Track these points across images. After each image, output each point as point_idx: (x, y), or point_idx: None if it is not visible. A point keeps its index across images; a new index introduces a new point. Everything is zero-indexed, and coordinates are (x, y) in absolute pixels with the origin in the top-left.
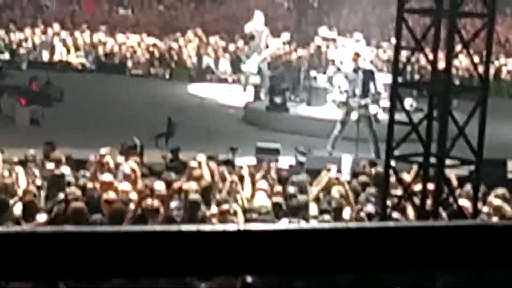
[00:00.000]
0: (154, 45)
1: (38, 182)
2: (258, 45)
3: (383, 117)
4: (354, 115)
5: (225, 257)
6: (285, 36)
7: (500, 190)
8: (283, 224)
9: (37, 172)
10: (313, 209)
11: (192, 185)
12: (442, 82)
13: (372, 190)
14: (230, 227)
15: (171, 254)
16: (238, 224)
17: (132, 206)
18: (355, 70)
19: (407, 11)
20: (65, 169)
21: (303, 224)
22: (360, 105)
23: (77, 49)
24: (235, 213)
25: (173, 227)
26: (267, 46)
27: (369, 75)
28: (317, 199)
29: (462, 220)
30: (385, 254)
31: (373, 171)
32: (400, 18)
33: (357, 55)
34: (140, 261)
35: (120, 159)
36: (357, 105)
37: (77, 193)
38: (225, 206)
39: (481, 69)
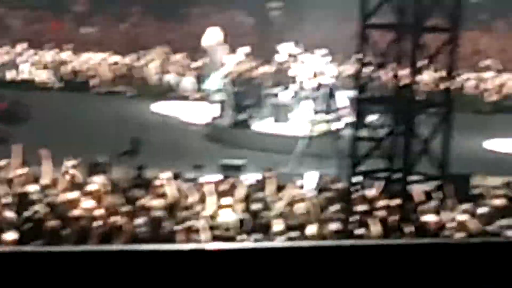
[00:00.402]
0: (118, 63)
1: (5, 200)
2: (217, 62)
3: (347, 133)
4: (318, 131)
5: (185, 276)
6: (243, 50)
7: (465, 206)
8: (244, 243)
9: (4, 190)
10: (278, 226)
11: (157, 203)
12: (405, 97)
13: (337, 206)
14: (188, 246)
15: (130, 272)
16: (199, 243)
17: (98, 223)
18: (317, 87)
19: (370, 26)
20: (33, 187)
21: (262, 243)
22: (323, 121)
23: (42, 67)
24: (199, 230)
25: (132, 247)
26: (223, 62)
27: (331, 92)
28: (282, 216)
29: (421, 239)
30: (343, 272)
31: (337, 187)
32: (363, 34)
33: (315, 73)
34: (100, 280)
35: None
36: (320, 121)
37: (43, 210)
38: (189, 223)
39: (445, 84)
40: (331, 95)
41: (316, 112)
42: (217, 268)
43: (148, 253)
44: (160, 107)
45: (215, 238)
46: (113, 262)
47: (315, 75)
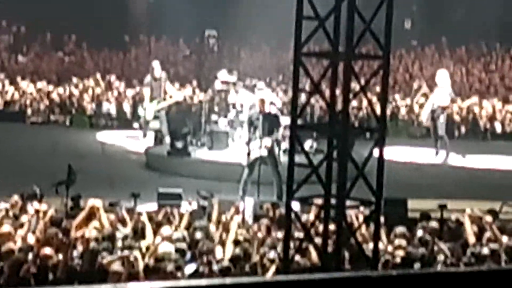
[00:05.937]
0: (54, 92)
1: None
2: (158, 92)
3: (284, 159)
4: (257, 158)
5: None
6: (188, 91)
7: (400, 229)
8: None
9: None
10: (219, 254)
11: (93, 233)
12: (340, 123)
13: (276, 233)
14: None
15: None
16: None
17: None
18: (259, 114)
19: (304, 54)
20: None
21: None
22: (263, 148)
23: None
24: (136, 260)
25: None
26: (165, 92)
27: (272, 119)
28: (223, 244)
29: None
30: None
31: (276, 213)
32: (297, 61)
33: (262, 100)
34: None
35: None
36: (260, 148)
37: None
38: (124, 253)
39: (378, 109)
40: (271, 121)
41: (256, 139)
42: None
43: None
44: (98, 136)
45: (150, 269)
46: None
47: (259, 104)
